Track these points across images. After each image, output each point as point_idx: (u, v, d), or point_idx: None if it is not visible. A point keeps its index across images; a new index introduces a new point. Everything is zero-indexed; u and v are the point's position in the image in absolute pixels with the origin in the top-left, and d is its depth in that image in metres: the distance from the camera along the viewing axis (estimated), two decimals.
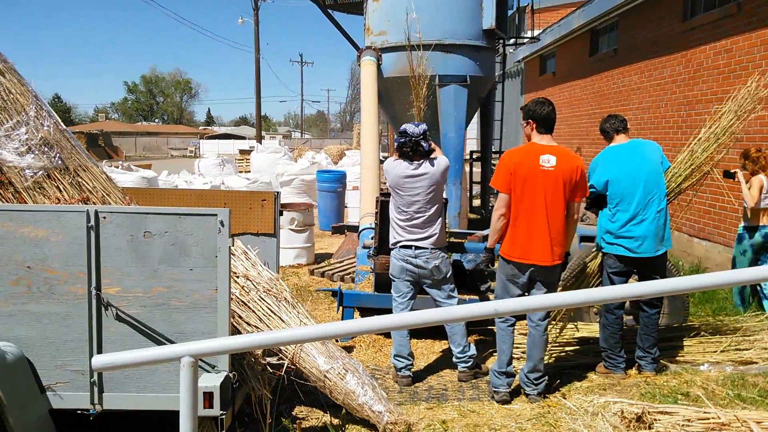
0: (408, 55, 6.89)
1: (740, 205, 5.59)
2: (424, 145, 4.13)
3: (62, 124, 3.48)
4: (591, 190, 4.21)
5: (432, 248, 4.16)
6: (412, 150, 4.12)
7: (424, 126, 4.17)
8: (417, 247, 4.17)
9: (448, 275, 4.26)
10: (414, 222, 4.17)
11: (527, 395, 3.95)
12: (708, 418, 2.60)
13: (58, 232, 2.80)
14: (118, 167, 11.37)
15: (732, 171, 5.33)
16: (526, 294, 3.94)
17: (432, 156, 4.19)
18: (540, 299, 1.78)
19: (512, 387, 3.98)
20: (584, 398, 2.74)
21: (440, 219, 4.22)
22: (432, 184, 4.13)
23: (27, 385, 2.76)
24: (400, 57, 7.47)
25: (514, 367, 4.01)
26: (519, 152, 3.88)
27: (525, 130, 3.96)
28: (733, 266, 5.53)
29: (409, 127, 4.14)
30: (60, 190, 3.23)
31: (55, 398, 2.82)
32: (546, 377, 3.96)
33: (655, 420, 2.60)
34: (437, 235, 4.17)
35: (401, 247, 4.21)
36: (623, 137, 4.32)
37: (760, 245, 5.27)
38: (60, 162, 3.27)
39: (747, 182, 5.19)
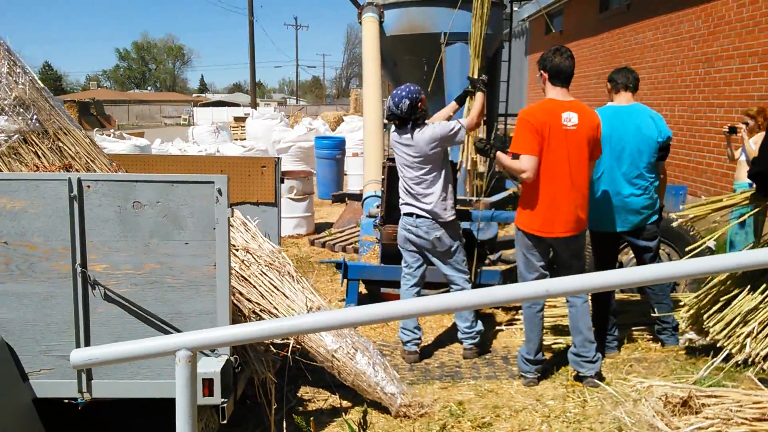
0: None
1: (734, 163, 5.53)
2: (402, 114, 3.81)
3: (39, 82, 3.14)
4: None
5: (432, 218, 3.88)
6: (392, 119, 3.93)
7: (405, 95, 3.79)
8: (418, 216, 3.90)
9: (453, 248, 3.97)
10: (413, 189, 3.92)
11: (582, 378, 3.52)
12: (761, 402, 2.36)
13: (37, 203, 2.53)
14: (110, 135, 11.00)
15: (734, 126, 5.38)
16: (547, 262, 3.63)
17: (420, 124, 3.85)
18: (600, 277, 1.50)
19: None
20: (625, 382, 2.49)
21: (441, 188, 3.87)
22: (418, 154, 3.83)
23: (7, 373, 2.49)
24: (403, 13, 7.06)
25: (544, 354, 3.72)
26: (540, 109, 3.49)
27: (540, 83, 3.62)
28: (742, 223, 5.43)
29: (390, 99, 3.86)
30: (38, 156, 2.92)
31: (39, 386, 2.57)
32: (599, 354, 3.56)
33: (704, 405, 2.36)
34: (434, 204, 3.86)
35: (405, 214, 3.99)
36: (628, 97, 3.93)
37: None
38: (38, 125, 2.95)
39: (750, 138, 5.20)
